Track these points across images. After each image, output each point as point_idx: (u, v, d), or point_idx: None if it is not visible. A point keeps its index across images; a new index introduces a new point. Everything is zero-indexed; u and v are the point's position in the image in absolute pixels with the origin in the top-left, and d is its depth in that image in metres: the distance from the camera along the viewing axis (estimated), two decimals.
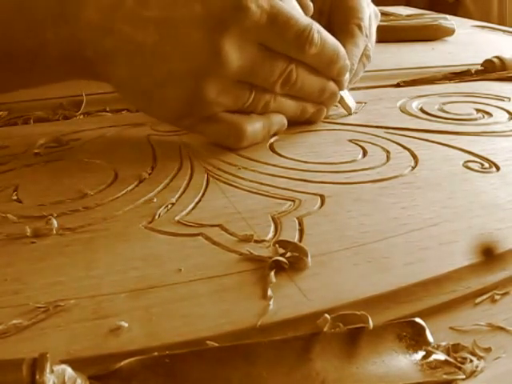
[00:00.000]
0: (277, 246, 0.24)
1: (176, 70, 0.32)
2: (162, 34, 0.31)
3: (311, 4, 0.40)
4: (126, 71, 0.32)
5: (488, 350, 0.18)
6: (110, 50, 0.31)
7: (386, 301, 0.21)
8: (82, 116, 0.42)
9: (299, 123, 0.40)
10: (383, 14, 0.85)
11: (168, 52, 0.31)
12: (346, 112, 0.42)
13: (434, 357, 0.18)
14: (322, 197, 0.29)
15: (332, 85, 0.39)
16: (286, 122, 0.38)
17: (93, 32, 0.31)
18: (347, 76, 0.40)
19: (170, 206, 0.28)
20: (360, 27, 0.43)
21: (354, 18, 0.43)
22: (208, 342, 0.19)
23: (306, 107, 0.39)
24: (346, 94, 0.42)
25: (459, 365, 0.18)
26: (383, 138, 0.37)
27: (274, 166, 0.33)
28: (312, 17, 0.38)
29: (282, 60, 0.34)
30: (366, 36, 0.43)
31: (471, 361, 0.18)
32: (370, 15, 0.46)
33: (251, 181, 0.31)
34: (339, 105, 0.42)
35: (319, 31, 0.35)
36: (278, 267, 0.23)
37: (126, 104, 0.43)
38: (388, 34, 0.71)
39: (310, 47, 0.34)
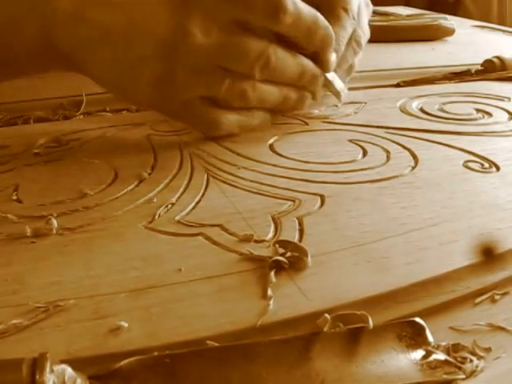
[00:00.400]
0: (277, 245, 0.24)
1: (145, 52, 0.32)
2: (129, 17, 0.31)
3: None
4: (100, 58, 0.33)
5: (488, 349, 0.18)
6: (84, 38, 0.32)
7: (386, 301, 0.21)
8: (81, 116, 0.42)
9: (297, 119, 0.40)
10: (383, 14, 0.86)
11: (136, 35, 0.32)
12: (346, 112, 0.42)
13: (433, 357, 0.18)
14: (322, 197, 0.29)
15: (312, 65, 0.38)
16: (268, 116, 0.37)
17: (67, 23, 0.32)
18: (333, 57, 0.39)
19: (169, 206, 0.28)
20: (346, 10, 0.41)
21: (340, 2, 0.41)
22: (208, 341, 0.19)
23: (288, 94, 0.38)
24: (333, 77, 0.40)
25: (459, 365, 0.18)
26: (383, 137, 0.37)
27: (273, 165, 0.33)
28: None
29: (258, 39, 0.33)
30: (354, 19, 0.42)
31: (471, 361, 0.18)
32: (359, 4, 0.44)
33: (251, 181, 0.31)
34: (338, 105, 0.42)
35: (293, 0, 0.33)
36: (278, 267, 0.23)
37: (126, 104, 0.43)
38: (388, 34, 0.71)
39: (285, 15, 0.33)
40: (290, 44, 0.36)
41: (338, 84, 0.41)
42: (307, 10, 0.35)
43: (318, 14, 0.36)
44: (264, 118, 0.38)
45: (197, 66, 0.32)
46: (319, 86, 0.40)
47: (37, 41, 0.33)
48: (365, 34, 0.45)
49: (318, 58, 0.38)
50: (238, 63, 0.33)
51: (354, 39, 0.43)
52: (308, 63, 0.38)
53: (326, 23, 0.37)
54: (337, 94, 0.41)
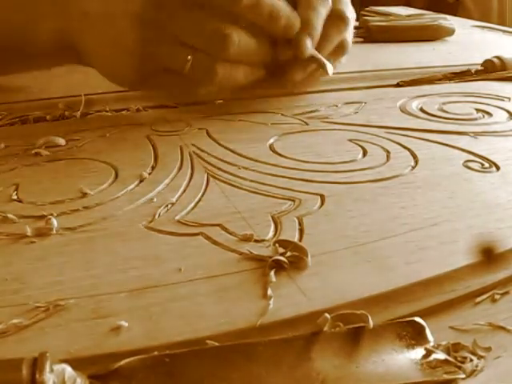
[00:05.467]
0: (277, 245, 0.24)
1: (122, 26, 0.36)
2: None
3: None
4: (89, 42, 0.38)
5: (488, 349, 0.18)
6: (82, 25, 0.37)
7: (386, 300, 0.21)
8: (82, 116, 0.42)
9: (297, 119, 0.40)
10: (383, 14, 0.86)
11: (113, 12, 0.36)
12: (346, 112, 0.42)
13: (434, 356, 0.18)
14: (322, 196, 0.29)
15: (284, 49, 0.39)
16: (256, 72, 0.39)
17: (76, 18, 0.37)
18: (307, 42, 0.39)
19: (170, 206, 0.28)
20: None
21: None
22: (208, 341, 0.19)
23: (250, 70, 0.39)
24: (315, 53, 0.40)
25: (459, 364, 0.18)
26: (383, 137, 0.37)
27: (273, 165, 0.33)
28: None
29: (217, 19, 0.36)
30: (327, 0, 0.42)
31: (471, 360, 0.18)
32: None
33: (251, 180, 0.31)
34: (338, 105, 0.42)
35: None
36: (278, 267, 0.23)
37: (126, 104, 0.43)
38: (388, 34, 0.71)
39: (241, 1, 0.35)
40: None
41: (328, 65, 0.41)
42: None
43: (280, 4, 0.38)
44: (250, 72, 0.39)
45: (159, 36, 0.36)
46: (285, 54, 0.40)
47: (54, 39, 0.38)
48: (348, 7, 0.44)
49: (292, 45, 0.39)
50: (198, 40, 0.36)
51: (335, 16, 0.42)
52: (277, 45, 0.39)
53: (289, 8, 0.38)
54: (323, 67, 0.40)
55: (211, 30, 0.36)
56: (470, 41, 0.75)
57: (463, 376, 0.17)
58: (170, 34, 0.36)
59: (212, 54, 0.37)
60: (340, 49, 0.44)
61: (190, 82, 0.38)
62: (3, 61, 0.41)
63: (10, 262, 0.23)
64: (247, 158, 0.34)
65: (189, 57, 0.36)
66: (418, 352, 0.18)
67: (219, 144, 0.36)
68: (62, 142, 0.36)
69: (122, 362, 0.17)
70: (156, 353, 0.17)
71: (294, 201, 0.29)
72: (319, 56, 0.40)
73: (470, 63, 0.56)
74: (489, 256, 0.23)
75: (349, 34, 0.44)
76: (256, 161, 0.34)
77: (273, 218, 0.27)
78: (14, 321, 0.19)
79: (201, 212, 0.28)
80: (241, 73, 0.39)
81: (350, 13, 0.44)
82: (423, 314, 0.20)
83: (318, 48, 0.41)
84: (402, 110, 0.43)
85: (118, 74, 0.40)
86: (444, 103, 0.45)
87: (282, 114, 0.41)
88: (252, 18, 0.37)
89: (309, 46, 0.39)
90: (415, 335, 0.19)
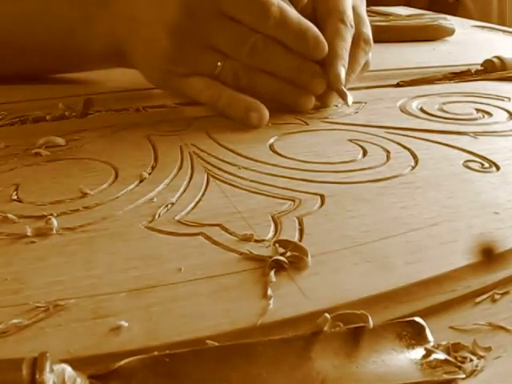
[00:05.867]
0: (277, 245, 0.24)
1: (153, 33, 0.39)
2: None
3: None
4: (136, 45, 0.41)
5: (488, 349, 0.18)
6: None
7: (386, 300, 0.21)
8: (82, 116, 0.42)
9: (297, 119, 0.40)
10: (383, 14, 0.86)
11: (143, 20, 0.39)
12: (346, 112, 0.42)
13: (434, 356, 0.18)
14: (322, 196, 0.29)
15: (311, 64, 0.40)
16: (261, 107, 0.39)
17: (125, 23, 0.40)
18: (342, 71, 0.40)
19: (170, 206, 0.28)
20: (343, 21, 0.42)
21: (335, 13, 0.42)
22: (208, 341, 0.19)
23: (284, 87, 0.40)
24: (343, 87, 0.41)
25: (459, 364, 0.18)
26: (383, 137, 0.37)
27: (274, 165, 0.33)
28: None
29: (245, 28, 0.37)
30: (352, 26, 0.43)
31: (471, 360, 0.18)
32: (354, 4, 0.45)
33: (251, 180, 0.31)
34: (338, 105, 0.42)
35: (280, 6, 0.37)
36: (278, 267, 0.23)
37: (126, 104, 0.43)
38: (388, 34, 0.71)
39: (269, 19, 0.37)
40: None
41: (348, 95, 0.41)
42: (295, 18, 0.38)
43: (308, 23, 0.39)
44: (257, 107, 0.39)
45: (185, 42, 0.38)
46: (322, 86, 0.41)
47: (107, 40, 0.42)
48: (368, 29, 0.45)
49: (326, 72, 0.40)
50: (227, 46, 0.38)
51: (362, 39, 0.44)
52: (307, 62, 0.40)
53: (317, 31, 0.39)
54: (345, 100, 0.41)
55: (239, 36, 0.38)
56: (470, 41, 0.75)
57: (463, 376, 0.17)
58: (200, 41, 0.38)
59: (239, 59, 0.38)
60: (364, 68, 0.46)
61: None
62: (59, 61, 0.46)
63: (10, 262, 0.23)
64: (247, 158, 0.34)
65: (219, 63, 0.38)
66: (418, 352, 0.18)
67: (219, 144, 0.36)
68: (61, 142, 0.36)
69: (122, 362, 0.17)
70: (156, 353, 0.17)
71: (293, 201, 0.29)
72: (344, 88, 0.41)
73: (469, 63, 0.56)
74: (489, 256, 0.23)
75: (370, 55, 0.46)
76: (256, 161, 0.34)
77: (273, 218, 0.27)
78: (14, 321, 0.19)
79: (201, 212, 0.28)
80: (265, 81, 0.40)
81: (369, 33, 0.45)
82: (423, 314, 0.20)
83: (347, 72, 0.41)
84: (402, 110, 0.43)
85: (154, 77, 0.42)
86: (444, 103, 0.45)
87: (282, 114, 0.41)
88: (279, 36, 0.38)
89: (342, 75, 0.40)
90: (415, 335, 0.19)
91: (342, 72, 0.40)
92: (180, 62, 0.39)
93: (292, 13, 0.38)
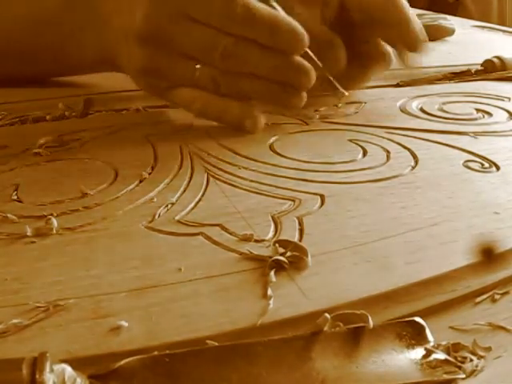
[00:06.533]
0: (277, 245, 0.24)
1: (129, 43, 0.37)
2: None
3: None
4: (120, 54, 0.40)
5: (488, 349, 0.18)
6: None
7: (386, 300, 0.21)
8: (82, 116, 0.42)
9: (298, 123, 0.40)
10: None
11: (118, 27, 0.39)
12: (346, 112, 0.42)
13: (434, 356, 0.18)
14: (322, 196, 0.29)
15: (294, 59, 0.36)
16: (249, 109, 0.38)
17: (110, 32, 0.40)
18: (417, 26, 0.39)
19: (170, 206, 0.28)
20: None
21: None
22: (208, 341, 0.19)
23: (269, 87, 0.37)
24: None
25: (459, 364, 0.18)
26: (383, 137, 0.37)
27: (274, 165, 0.33)
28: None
29: (214, 31, 0.35)
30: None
31: (471, 360, 0.18)
32: None
33: (251, 180, 0.31)
34: (338, 105, 0.42)
35: (245, 2, 0.34)
36: (278, 267, 0.23)
37: (126, 104, 0.43)
38: None
39: (234, 17, 0.34)
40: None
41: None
42: (265, 13, 0.35)
43: (279, 15, 0.36)
44: (250, 113, 0.38)
45: (164, 55, 0.37)
46: (311, 81, 0.37)
47: (95, 49, 0.42)
48: None
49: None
50: (199, 52, 0.36)
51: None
52: (286, 56, 0.36)
53: (292, 23, 0.35)
54: (338, 93, 0.41)
55: (208, 41, 0.36)
56: (470, 41, 0.75)
57: (463, 376, 0.17)
58: (172, 49, 0.36)
59: (213, 64, 0.36)
60: (386, 62, 0.44)
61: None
62: (52, 66, 0.46)
63: (9, 262, 0.23)
64: (247, 157, 0.34)
65: (197, 66, 0.36)
66: (418, 352, 0.18)
67: (219, 144, 0.36)
68: (62, 142, 0.36)
69: (122, 362, 0.17)
70: (156, 353, 0.17)
71: (294, 201, 0.29)
72: (334, 80, 0.40)
73: (469, 63, 0.56)
74: (489, 256, 0.23)
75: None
76: (256, 161, 0.34)
77: (273, 218, 0.27)
78: (14, 321, 0.19)
79: (201, 212, 0.28)
80: (246, 84, 0.37)
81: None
82: (423, 314, 0.20)
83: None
84: (402, 110, 0.43)
85: (142, 87, 0.41)
86: (444, 103, 0.45)
87: (282, 114, 0.41)
88: (250, 35, 0.35)
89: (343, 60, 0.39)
90: (415, 335, 0.19)
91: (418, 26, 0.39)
92: (157, 74, 0.37)
93: (260, 7, 0.35)
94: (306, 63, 0.36)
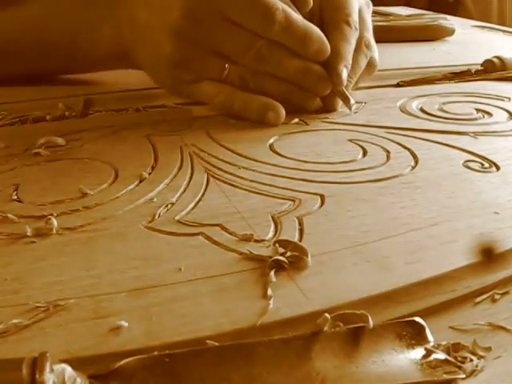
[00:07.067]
0: (277, 245, 0.24)
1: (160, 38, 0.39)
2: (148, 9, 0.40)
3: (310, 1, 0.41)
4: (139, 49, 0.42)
5: (488, 349, 0.18)
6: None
7: (386, 300, 0.21)
8: (82, 116, 0.42)
9: (298, 123, 0.40)
10: (383, 14, 0.86)
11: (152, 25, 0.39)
12: (346, 112, 0.42)
13: (434, 356, 0.18)
14: (322, 196, 0.29)
15: (317, 67, 0.40)
16: (270, 104, 0.39)
17: (129, 26, 0.41)
18: (344, 72, 0.40)
19: (170, 206, 0.28)
20: (348, 23, 0.42)
21: (341, 15, 0.43)
22: (208, 341, 0.19)
23: (291, 89, 0.40)
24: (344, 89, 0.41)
25: (459, 364, 0.18)
26: (383, 137, 0.37)
27: (273, 165, 0.33)
28: (304, 17, 0.39)
29: (249, 33, 0.38)
30: (356, 29, 0.43)
31: (471, 360, 0.18)
32: (360, 7, 0.45)
33: (251, 180, 0.31)
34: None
35: (285, 11, 0.37)
36: (278, 267, 0.23)
37: (126, 104, 0.43)
38: (388, 34, 0.71)
39: (274, 24, 0.37)
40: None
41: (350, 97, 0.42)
42: (300, 23, 0.38)
43: (313, 28, 0.39)
44: (274, 106, 0.40)
45: (186, 46, 0.38)
46: (328, 89, 0.41)
47: (112, 42, 0.42)
48: (370, 34, 0.46)
49: (329, 72, 0.40)
50: (231, 51, 0.38)
51: (363, 42, 0.44)
52: (313, 65, 0.40)
53: (320, 33, 0.39)
54: (347, 103, 0.41)
55: (243, 41, 0.38)
56: (470, 41, 0.75)
57: (463, 376, 0.17)
58: (204, 46, 0.38)
59: (245, 64, 0.39)
60: (370, 70, 0.46)
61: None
62: (66, 63, 0.46)
63: (9, 262, 0.23)
64: (247, 158, 0.34)
65: (226, 65, 0.38)
66: (418, 352, 0.18)
67: (219, 144, 0.36)
68: (61, 142, 0.36)
69: (122, 362, 0.17)
70: (156, 353, 0.17)
71: (294, 201, 0.29)
72: (345, 91, 0.41)
73: (469, 63, 0.56)
74: (489, 256, 0.23)
75: (376, 56, 0.46)
76: (256, 161, 0.34)
77: (273, 217, 0.27)
78: (14, 321, 0.19)
79: (201, 212, 0.28)
80: (269, 83, 0.40)
81: (371, 36, 0.46)
82: (423, 314, 0.20)
83: (349, 75, 0.42)
84: (402, 110, 0.43)
85: (160, 81, 0.42)
86: (444, 103, 0.45)
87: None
88: (284, 40, 0.38)
89: (344, 75, 0.41)
90: (415, 335, 0.19)
91: (344, 73, 0.40)
92: (185, 67, 0.39)
93: (296, 17, 0.38)
94: (325, 72, 0.40)
